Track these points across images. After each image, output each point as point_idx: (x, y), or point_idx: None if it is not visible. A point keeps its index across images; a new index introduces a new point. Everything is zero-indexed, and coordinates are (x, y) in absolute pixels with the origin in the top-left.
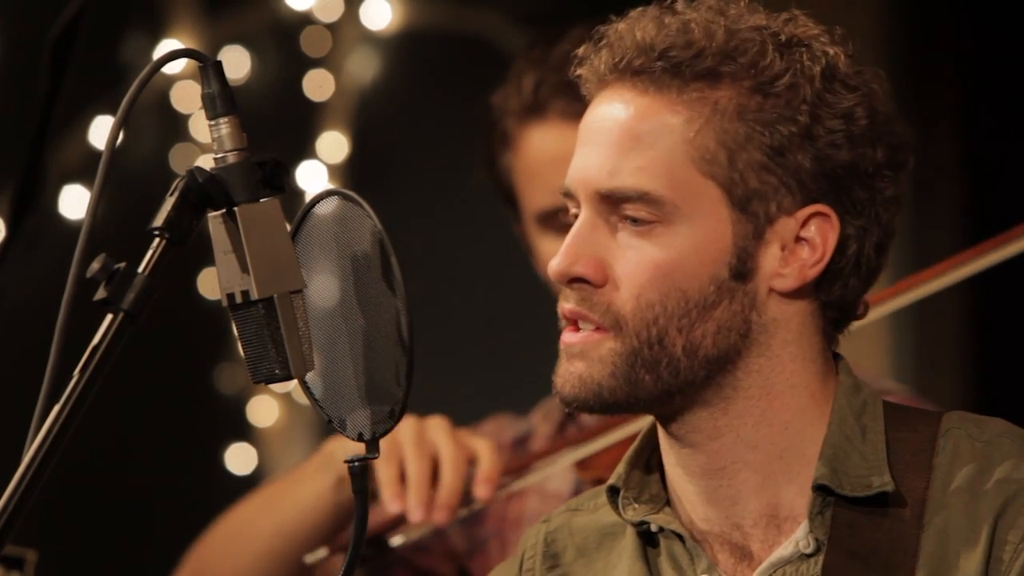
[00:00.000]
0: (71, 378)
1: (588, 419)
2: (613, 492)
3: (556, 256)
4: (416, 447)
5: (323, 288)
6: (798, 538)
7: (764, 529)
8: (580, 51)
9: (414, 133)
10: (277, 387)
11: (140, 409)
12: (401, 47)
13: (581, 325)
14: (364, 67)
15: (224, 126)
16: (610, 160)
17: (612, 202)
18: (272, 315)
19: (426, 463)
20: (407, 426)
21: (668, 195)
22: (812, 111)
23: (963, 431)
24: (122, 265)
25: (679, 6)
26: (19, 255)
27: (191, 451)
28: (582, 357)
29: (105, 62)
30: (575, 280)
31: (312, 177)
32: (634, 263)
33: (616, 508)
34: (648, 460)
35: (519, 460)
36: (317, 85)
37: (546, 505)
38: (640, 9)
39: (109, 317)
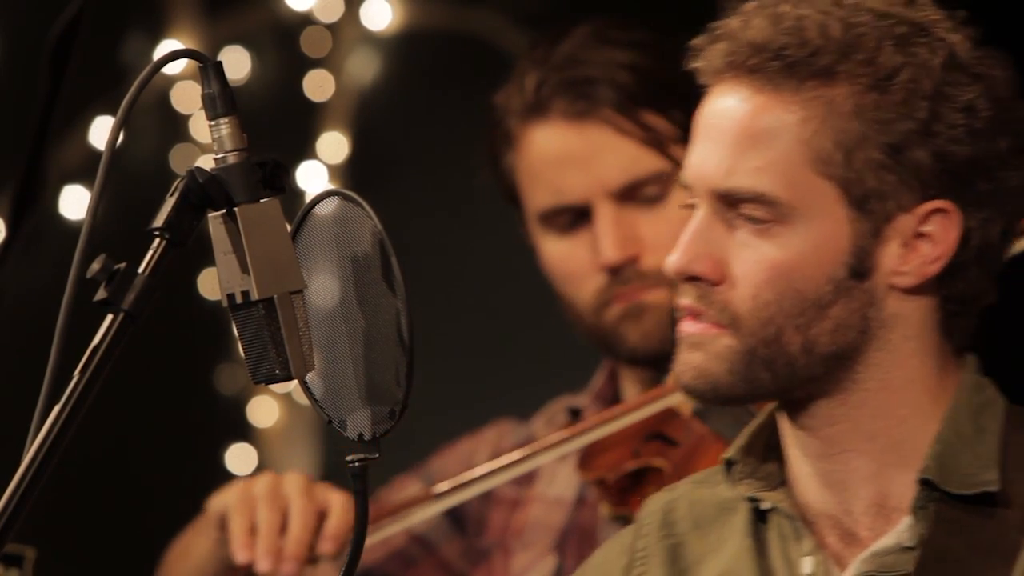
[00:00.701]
0: (71, 378)
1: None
2: (728, 465)
3: (674, 251)
4: (268, 500)
5: (323, 288)
6: (901, 530)
7: (873, 517)
8: (696, 42)
9: (414, 133)
10: (277, 387)
11: (140, 409)
12: (401, 47)
13: (700, 319)
14: (364, 67)
15: (224, 126)
16: (727, 159)
17: (729, 201)
18: (272, 315)
19: (276, 515)
20: (263, 480)
21: (784, 196)
22: (931, 107)
23: None
24: (122, 265)
25: (791, 4)
26: (19, 255)
27: (191, 451)
28: (700, 348)
29: (105, 62)
30: (692, 278)
31: (312, 177)
32: (751, 262)
33: (730, 480)
34: (769, 438)
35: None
36: (317, 85)
37: (549, 513)
38: (754, 3)
39: (109, 317)
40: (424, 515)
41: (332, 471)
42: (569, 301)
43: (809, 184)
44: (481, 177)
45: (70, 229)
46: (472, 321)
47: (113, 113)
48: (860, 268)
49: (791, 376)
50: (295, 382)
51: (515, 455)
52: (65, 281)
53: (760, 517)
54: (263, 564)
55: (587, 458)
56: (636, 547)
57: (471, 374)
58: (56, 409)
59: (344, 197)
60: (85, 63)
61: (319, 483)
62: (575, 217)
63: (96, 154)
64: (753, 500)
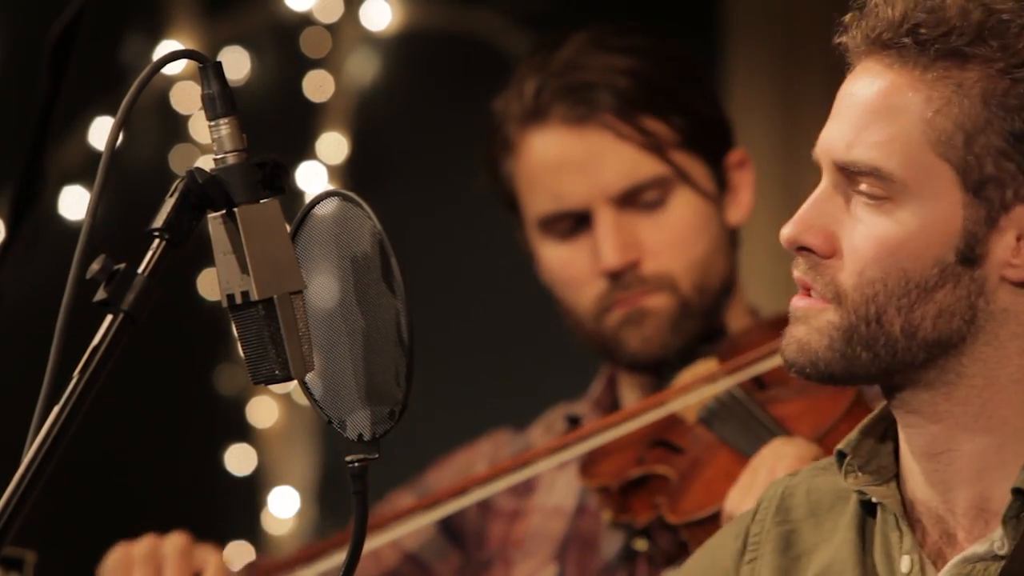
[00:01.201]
0: (71, 378)
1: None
2: (840, 457)
3: (789, 222)
4: (144, 563)
5: (323, 289)
6: (994, 538)
7: (973, 520)
8: (845, 18)
9: (414, 134)
10: (277, 388)
11: (140, 409)
12: (401, 48)
13: (812, 293)
14: (364, 68)
15: (224, 127)
16: (850, 133)
17: (848, 174)
18: (272, 316)
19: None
20: (143, 543)
21: (900, 173)
22: None
23: None
24: (122, 266)
25: None
26: (19, 255)
27: (191, 451)
28: (804, 322)
29: (105, 62)
30: (803, 248)
31: (312, 178)
32: (862, 237)
33: (841, 473)
34: (885, 431)
35: (517, 458)
36: (317, 86)
37: (549, 522)
38: None
39: (109, 318)
40: (421, 523)
41: (332, 471)
42: (568, 307)
43: (927, 164)
44: (478, 185)
45: (70, 229)
46: (471, 320)
47: (113, 113)
48: (970, 254)
49: (892, 359)
50: (295, 382)
51: (516, 461)
52: (65, 281)
53: (869, 510)
54: None
55: (589, 465)
56: (751, 531)
57: (470, 377)
58: (56, 409)
59: (344, 197)
60: (85, 63)
61: (199, 545)
62: (575, 223)
63: (96, 154)
64: (860, 492)
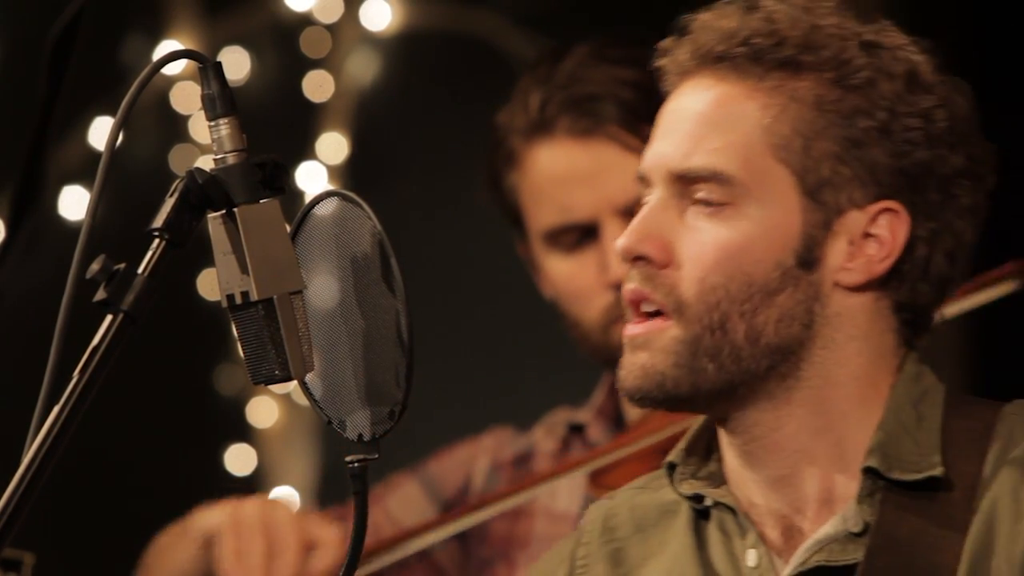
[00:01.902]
0: (71, 379)
1: (596, 436)
2: (671, 468)
3: (624, 233)
4: (260, 528)
5: (323, 289)
6: (846, 516)
7: (817, 511)
8: (663, 43)
9: (414, 134)
10: (277, 388)
11: (140, 410)
12: (401, 48)
13: (643, 307)
14: (364, 68)
15: (224, 127)
16: (686, 143)
17: (685, 183)
18: (272, 316)
19: (264, 544)
20: (253, 505)
21: (741, 176)
22: (891, 108)
23: (1019, 416)
24: (122, 266)
25: (764, 3)
26: (19, 255)
27: (191, 452)
28: (645, 347)
29: (105, 62)
30: (639, 258)
31: (312, 178)
32: (700, 244)
33: (672, 482)
34: (710, 440)
35: (522, 479)
36: (317, 86)
37: (554, 526)
38: (726, 1)
39: (109, 318)
40: (436, 537)
41: (332, 471)
42: (575, 320)
43: (766, 167)
44: (479, 198)
45: (70, 229)
46: (471, 320)
47: (113, 113)
48: (808, 257)
49: (736, 368)
50: (295, 383)
51: (534, 478)
52: (65, 281)
53: (701, 515)
54: None
55: (600, 475)
56: (576, 555)
57: (470, 376)
58: (56, 409)
59: (343, 197)
60: (85, 63)
61: (309, 514)
62: (582, 235)
63: (96, 154)
64: (696, 499)
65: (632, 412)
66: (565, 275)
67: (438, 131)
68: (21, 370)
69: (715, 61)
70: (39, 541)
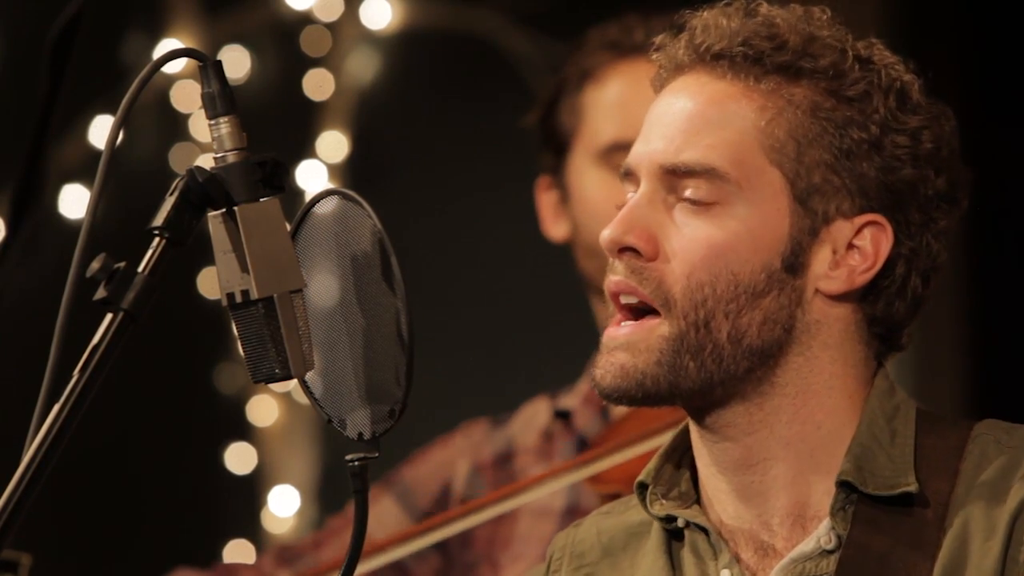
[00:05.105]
0: (71, 378)
1: (583, 423)
2: (642, 488)
3: (610, 225)
4: None
5: (323, 288)
6: (820, 534)
7: (790, 527)
8: (659, 39)
9: (414, 133)
10: (277, 387)
11: (140, 409)
12: (401, 47)
13: (623, 299)
14: (364, 67)
15: (224, 126)
16: (678, 138)
17: (675, 177)
18: (272, 315)
19: None
20: None
21: (733, 173)
22: (883, 123)
23: (991, 436)
24: (122, 265)
25: (763, 8)
26: (19, 255)
27: (191, 451)
28: (627, 349)
29: (105, 62)
30: (625, 250)
31: (312, 177)
32: (688, 240)
33: (644, 504)
34: (680, 459)
35: (507, 483)
36: (317, 85)
37: (537, 525)
38: (727, 1)
39: (109, 317)
40: (417, 547)
41: (332, 470)
42: (593, 248)
43: (758, 167)
44: (525, 120)
45: (70, 229)
46: (471, 320)
47: (113, 113)
48: (794, 262)
49: (717, 367)
50: (295, 381)
51: (529, 481)
52: (65, 281)
53: (674, 535)
54: None
55: (599, 472)
56: None
57: (470, 375)
58: (55, 409)
59: (344, 196)
60: (85, 62)
61: None
62: None
63: (96, 154)
64: (668, 520)
65: None
66: (604, 195)
67: (438, 130)
68: (21, 370)
69: (713, 59)
70: (37, 541)
